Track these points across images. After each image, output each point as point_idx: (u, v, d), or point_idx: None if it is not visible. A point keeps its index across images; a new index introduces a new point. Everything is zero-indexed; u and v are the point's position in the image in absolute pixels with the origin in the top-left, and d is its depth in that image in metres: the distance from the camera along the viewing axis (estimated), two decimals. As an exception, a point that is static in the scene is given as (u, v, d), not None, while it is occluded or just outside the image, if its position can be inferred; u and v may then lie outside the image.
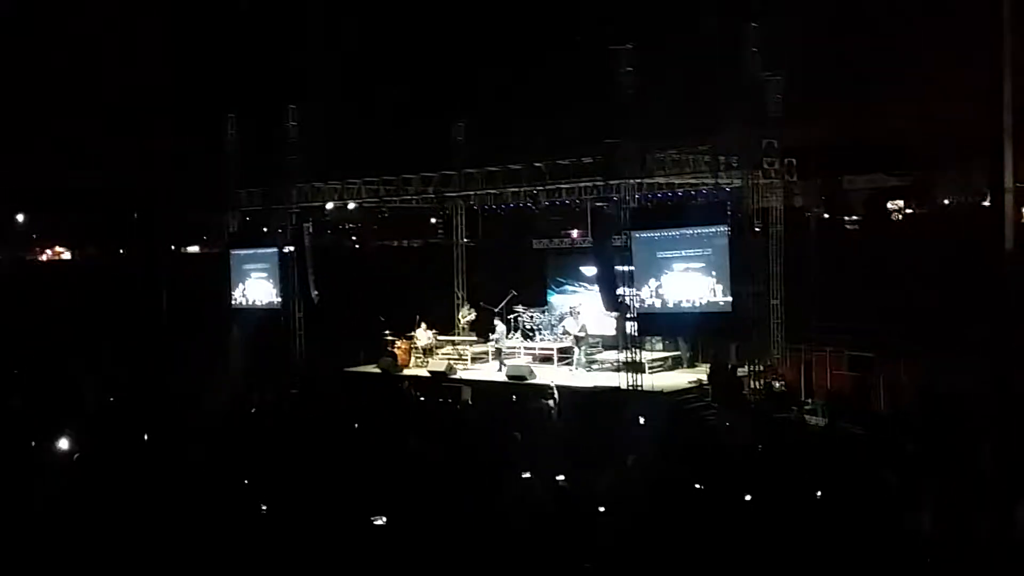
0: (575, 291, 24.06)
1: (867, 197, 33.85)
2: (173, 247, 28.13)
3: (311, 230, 24.35)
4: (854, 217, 34.41)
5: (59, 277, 32.96)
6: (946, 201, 35.37)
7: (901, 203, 34.56)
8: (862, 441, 15.82)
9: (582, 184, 20.82)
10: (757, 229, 19.69)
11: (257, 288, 25.02)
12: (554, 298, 24.70)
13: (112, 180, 28.72)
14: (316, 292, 23.82)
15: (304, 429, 17.67)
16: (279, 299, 24.45)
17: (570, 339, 22.05)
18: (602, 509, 11.97)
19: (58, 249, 37.88)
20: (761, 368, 19.19)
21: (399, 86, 28.60)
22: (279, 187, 24.19)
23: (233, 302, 25.35)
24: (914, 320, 20.94)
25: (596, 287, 21.00)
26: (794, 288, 20.62)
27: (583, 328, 21.74)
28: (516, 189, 22.02)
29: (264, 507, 12.45)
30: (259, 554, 11.01)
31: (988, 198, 28.88)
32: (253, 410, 18.41)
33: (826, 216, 30.80)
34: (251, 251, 25.28)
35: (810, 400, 19.29)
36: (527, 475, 12.73)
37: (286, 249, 24.33)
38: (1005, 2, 11.45)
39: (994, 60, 11.77)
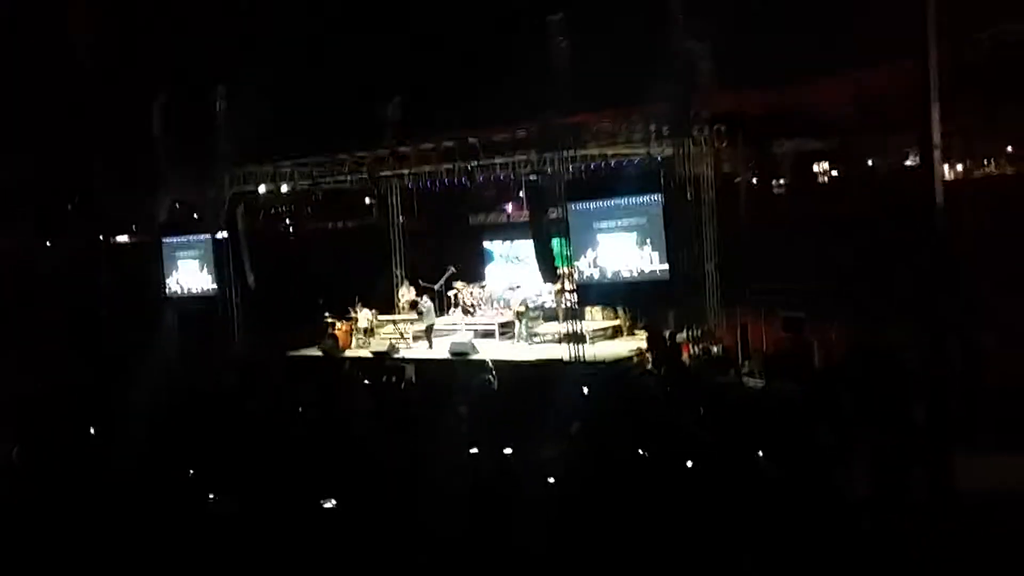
0: (508, 262, 24.20)
1: (794, 161, 34.42)
2: (102, 236, 27.46)
3: (244, 214, 24.07)
4: (782, 181, 35.02)
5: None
6: (870, 162, 36.19)
7: (827, 165, 35.24)
8: (798, 400, 16.26)
9: (516, 159, 20.85)
10: (689, 197, 20.00)
11: (191, 275, 24.68)
12: (490, 267, 24.78)
13: (37, 168, 28.01)
14: (252, 277, 23.58)
15: (248, 415, 17.59)
16: (214, 286, 24.15)
17: (511, 314, 22.20)
18: (550, 480, 12.16)
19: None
20: (698, 333, 19.54)
21: (328, 64, 28.25)
22: (210, 171, 23.83)
23: (167, 290, 24.96)
24: (844, 279, 21.48)
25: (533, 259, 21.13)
26: (727, 253, 20.98)
27: (523, 302, 21.89)
28: (450, 166, 21.99)
29: (212, 496, 12.42)
30: (209, 542, 10.99)
31: (911, 158, 29.65)
32: (193, 398, 18.23)
33: (755, 181, 31.23)
34: (183, 238, 24.89)
35: (747, 362, 19.70)
36: (474, 450, 12.85)
37: (219, 235, 24.01)
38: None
39: (920, 22, 12.08)
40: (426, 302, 22.78)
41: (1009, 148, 30.84)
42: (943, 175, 12.33)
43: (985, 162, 30.68)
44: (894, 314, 18.24)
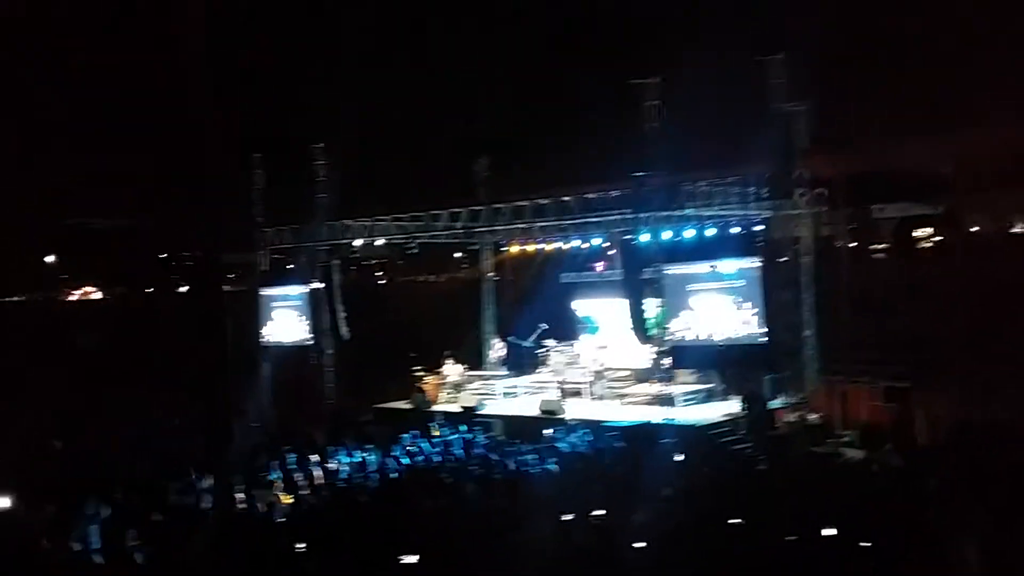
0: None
1: (896, 225, 33.57)
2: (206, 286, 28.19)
3: (340, 267, 24.49)
4: (882, 245, 34.16)
5: (92, 316, 33.21)
6: (974, 228, 35.07)
7: (930, 230, 34.27)
8: (901, 473, 15.65)
9: (610, 218, 20.79)
10: (787, 259, 19.65)
11: (287, 326, 25.12)
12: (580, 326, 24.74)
13: (141, 219, 29.05)
14: (346, 329, 23.89)
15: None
16: (310, 336, 24.53)
17: (590, 373, 22.10)
18: (641, 544, 11.87)
19: (87, 289, 38.18)
20: (796, 401, 19.03)
21: (427, 119, 28.75)
22: (309, 226, 24.36)
23: (264, 340, 25.43)
24: (949, 350, 20.73)
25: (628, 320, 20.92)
26: (826, 318, 20.47)
27: (601, 362, 21.87)
28: (544, 223, 22.04)
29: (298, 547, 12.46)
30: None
31: (1019, 224, 28.64)
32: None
33: (855, 245, 30.52)
34: (281, 289, 25.40)
35: (846, 432, 19.10)
36: (568, 517, 12.64)
37: (315, 286, 24.45)
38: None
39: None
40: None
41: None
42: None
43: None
44: (1002, 386, 17.52)
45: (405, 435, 19.24)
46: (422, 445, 18.75)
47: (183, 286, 33.74)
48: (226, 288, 28.87)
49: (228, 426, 16.17)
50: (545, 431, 19.40)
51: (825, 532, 11.68)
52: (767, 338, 17.84)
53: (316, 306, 24.40)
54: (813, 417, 19.08)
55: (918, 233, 33.95)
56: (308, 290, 24.55)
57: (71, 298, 37.59)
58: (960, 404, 18.01)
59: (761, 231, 19.00)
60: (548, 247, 24.29)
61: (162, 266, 33.24)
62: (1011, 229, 29.46)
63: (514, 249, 25.02)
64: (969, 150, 23.17)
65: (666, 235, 19.61)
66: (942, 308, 22.46)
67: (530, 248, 24.46)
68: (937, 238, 33.80)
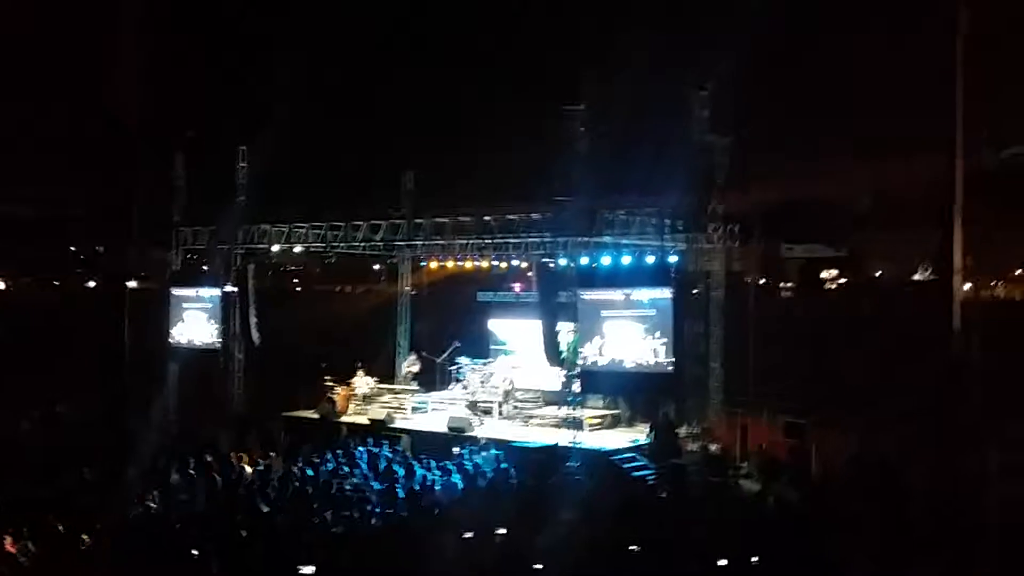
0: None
1: (802, 265, 34.67)
2: (112, 281, 27.57)
3: (255, 271, 24.18)
4: (789, 284, 35.22)
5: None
6: (877, 273, 36.40)
7: (835, 272, 35.47)
8: (795, 506, 16.12)
9: (530, 240, 21.01)
10: (699, 292, 20.09)
11: (197, 328, 24.66)
12: (493, 346, 24.88)
13: (54, 210, 28.30)
14: (257, 334, 23.57)
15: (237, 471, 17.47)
16: (219, 340, 24.12)
17: (499, 392, 22.28)
18: (539, 567, 12.02)
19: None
20: (698, 430, 19.43)
21: (350, 132, 28.71)
22: (226, 227, 24.01)
23: (172, 341, 24.91)
24: (846, 388, 21.45)
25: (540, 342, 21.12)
26: (732, 352, 20.99)
27: (510, 382, 21.99)
28: (464, 240, 22.15)
29: (195, 552, 12.28)
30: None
31: (920, 272, 29.85)
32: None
33: (762, 282, 31.39)
34: (192, 290, 24.93)
35: (744, 464, 19.57)
36: (469, 535, 12.71)
37: (227, 289, 24.08)
38: (958, 84, 11.96)
39: (949, 139, 12.24)
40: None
41: (1018, 271, 31.07)
42: (961, 295, 12.39)
43: (992, 283, 30.86)
44: (898, 425, 18.18)
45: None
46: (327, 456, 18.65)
47: (91, 280, 32.88)
48: (136, 286, 28.33)
49: (123, 423, 15.88)
50: (454, 448, 19.45)
51: (720, 562, 12.00)
52: (674, 367, 18.17)
53: (228, 310, 24.01)
54: (714, 447, 19.49)
55: (824, 274, 35.19)
56: (221, 293, 24.14)
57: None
58: (854, 440, 18.61)
59: (675, 263, 19.38)
60: (467, 265, 24.39)
61: (71, 259, 32.38)
62: (912, 276, 30.71)
63: (433, 265, 25.04)
64: (877, 187, 24.10)
65: (583, 260, 19.87)
66: (842, 347, 23.28)
67: (448, 265, 24.51)
68: (841, 280, 35.06)
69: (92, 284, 31.98)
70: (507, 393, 22.15)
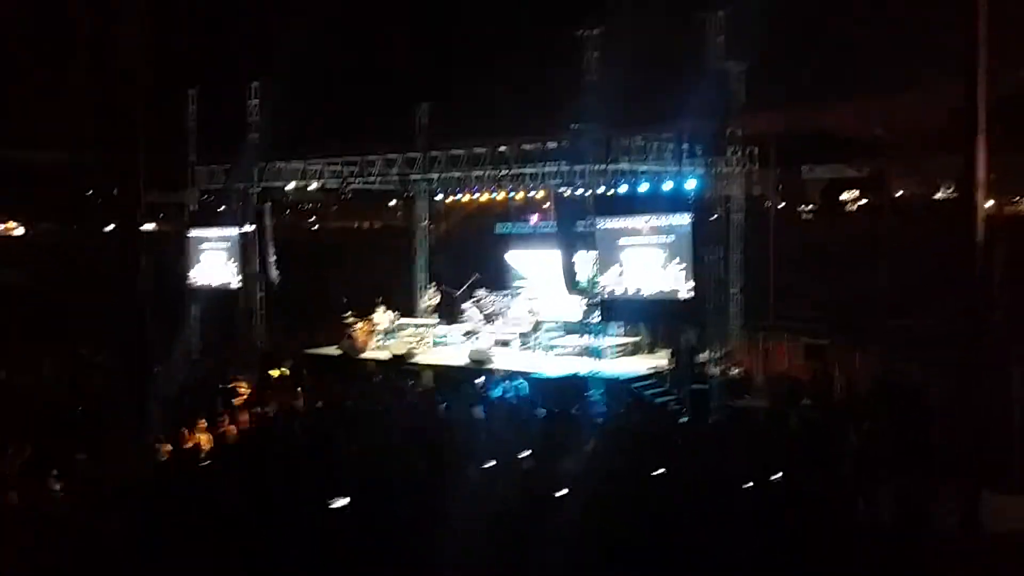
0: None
1: (823, 187, 34.25)
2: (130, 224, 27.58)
3: (271, 210, 24.17)
4: (810, 207, 34.84)
5: (14, 253, 32.34)
6: (899, 193, 35.91)
7: (856, 193, 35.01)
8: (818, 427, 16.15)
9: (546, 169, 20.82)
10: (718, 217, 19.91)
11: (216, 268, 24.75)
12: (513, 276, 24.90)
13: (69, 156, 28.24)
14: (276, 273, 23.65)
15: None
16: (239, 279, 24.20)
17: (528, 324, 22.27)
18: (562, 493, 12.11)
19: (10, 224, 37.14)
20: (719, 355, 19.42)
21: (363, 66, 28.35)
22: (241, 166, 23.93)
23: (191, 282, 25.03)
24: (868, 309, 21.34)
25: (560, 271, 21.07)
26: (753, 276, 20.89)
27: (535, 315, 22.04)
28: (480, 172, 21.99)
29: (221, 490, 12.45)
30: (214, 535, 11.01)
31: (942, 191, 29.43)
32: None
33: (783, 205, 31.08)
34: (210, 231, 24.96)
35: (766, 387, 19.59)
36: (492, 463, 12.82)
37: (245, 229, 24.09)
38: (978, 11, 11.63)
39: (968, 57, 11.93)
40: (472, 309, 22.97)
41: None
42: (984, 212, 12.20)
43: (1016, 198, 30.42)
44: (920, 348, 18.10)
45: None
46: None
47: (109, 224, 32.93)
48: (153, 228, 28.37)
49: (147, 366, 16.02)
50: (476, 380, 19.58)
51: (744, 485, 12.05)
52: (694, 293, 18.11)
53: (246, 249, 24.04)
54: (736, 372, 19.51)
55: (845, 196, 34.76)
56: (238, 232, 24.15)
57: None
58: (876, 361, 18.57)
59: (693, 188, 19.19)
60: (483, 197, 24.26)
61: (88, 203, 32.40)
62: (935, 195, 30.28)
63: (449, 198, 24.92)
64: (897, 115, 23.65)
65: (600, 188, 19.71)
66: (864, 269, 23.10)
67: (465, 198, 24.39)
68: (863, 201, 34.63)
69: (110, 228, 32.05)
70: (535, 326, 22.18)
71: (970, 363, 12.25)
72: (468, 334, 23.04)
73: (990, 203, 15.42)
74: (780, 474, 12.22)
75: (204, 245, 24.93)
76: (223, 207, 25.39)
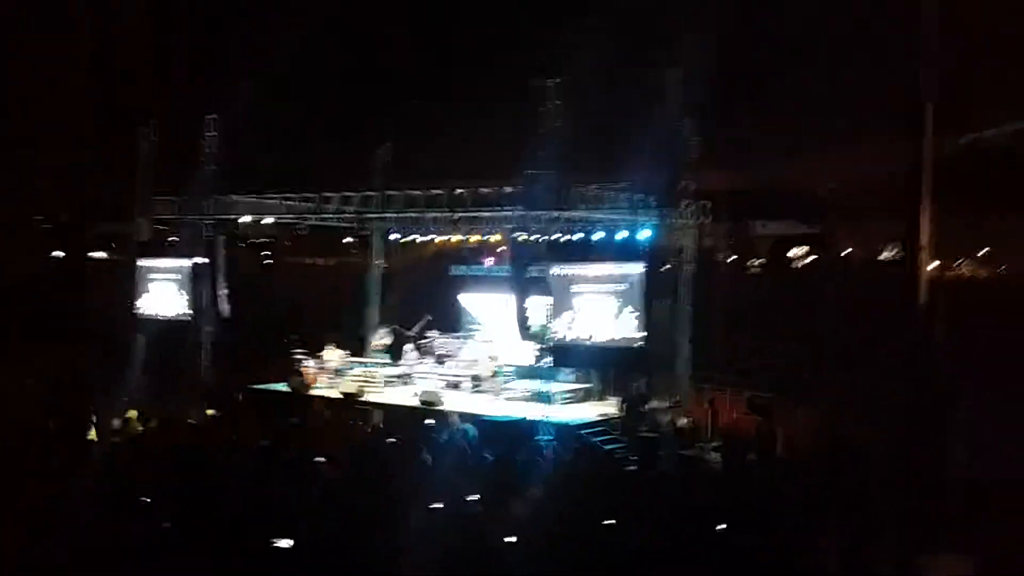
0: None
1: (772, 243, 34.91)
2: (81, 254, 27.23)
3: (224, 243, 24.00)
4: (759, 261, 35.47)
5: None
6: (845, 252, 36.71)
7: (805, 249, 35.73)
8: (761, 480, 16.32)
9: (502, 213, 21.00)
10: (670, 267, 20.21)
11: (165, 299, 24.44)
12: (465, 320, 24.93)
13: (22, 185, 27.85)
14: (227, 306, 23.43)
15: (211, 445, 17.40)
16: (188, 311, 23.92)
17: (484, 368, 22.26)
18: (511, 540, 12.08)
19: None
20: (668, 405, 19.59)
21: (323, 103, 28.44)
22: (194, 197, 23.77)
23: (139, 312, 24.67)
24: (813, 365, 21.70)
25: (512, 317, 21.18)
26: (702, 328, 21.16)
27: (492, 360, 22.06)
28: (436, 214, 22.11)
29: (167, 525, 12.23)
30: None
31: (887, 252, 30.16)
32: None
33: (733, 259, 31.63)
34: (161, 261, 24.69)
35: (713, 438, 19.78)
36: (438, 504, 12.75)
37: (197, 260, 23.87)
38: (928, 70, 12.09)
39: (916, 122, 12.38)
40: (412, 351, 22.93)
41: (979, 252, 31.45)
42: (927, 274, 12.60)
43: (956, 262, 31.26)
44: (858, 404, 18.43)
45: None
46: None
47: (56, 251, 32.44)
48: (102, 256, 28.01)
49: (87, 395, 15.75)
50: (426, 421, 19.49)
51: (689, 533, 12.12)
52: (645, 342, 18.30)
53: (197, 281, 23.81)
54: (683, 421, 19.68)
55: (793, 252, 35.45)
56: (190, 264, 23.93)
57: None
58: (819, 418, 18.86)
59: (646, 238, 19.48)
60: (439, 239, 24.34)
61: (36, 230, 31.89)
62: (880, 255, 31.03)
63: (404, 238, 24.98)
64: (846, 174, 24.31)
65: (555, 235, 19.93)
66: (809, 325, 23.53)
67: (420, 238, 24.47)
68: (811, 258, 35.34)
69: (59, 255, 31.62)
70: (494, 372, 22.17)
71: (911, 421, 12.55)
72: (402, 376, 22.94)
73: (933, 265, 15.89)
74: (725, 525, 12.31)
75: (153, 275, 24.64)
76: (175, 238, 25.16)
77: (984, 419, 16.06)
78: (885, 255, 30.47)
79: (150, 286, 24.69)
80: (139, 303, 24.67)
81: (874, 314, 20.85)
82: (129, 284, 24.71)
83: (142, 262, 24.83)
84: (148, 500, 13.31)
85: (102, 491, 13.54)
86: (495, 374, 21.93)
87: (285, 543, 11.27)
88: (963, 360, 16.39)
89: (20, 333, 22.26)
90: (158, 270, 24.58)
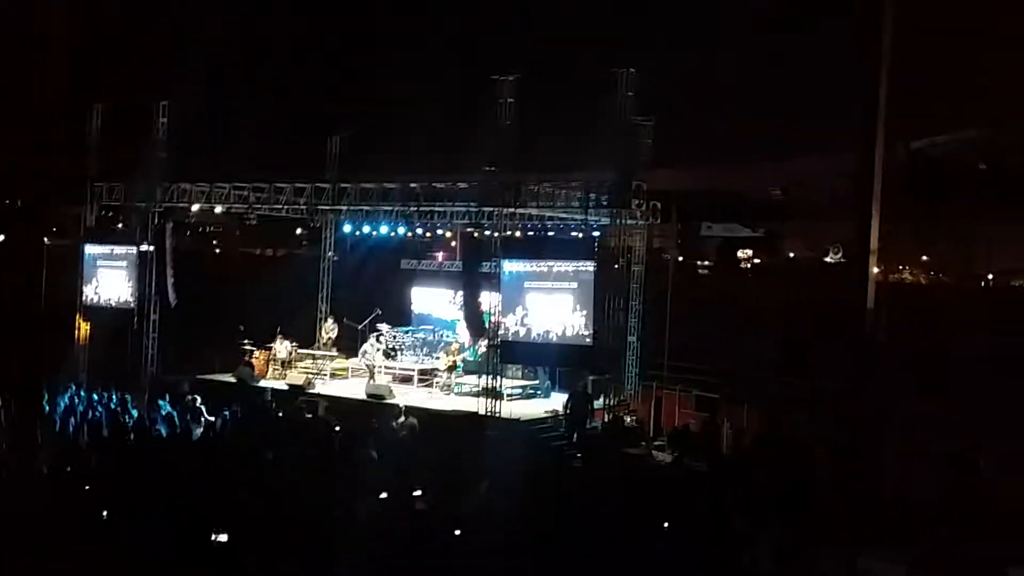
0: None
1: (720, 244, 35.46)
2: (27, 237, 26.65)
3: (173, 230, 23.69)
4: (706, 263, 35.99)
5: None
6: (791, 254, 37.40)
7: (751, 252, 36.35)
8: (705, 478, 16.57)
9: (455, 209, 21.03)
10: (619, 267, 20.42)
11: (112, 286, 24.09)
12: (416, 313, 24.92)
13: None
14: (174, 295, 23.15)
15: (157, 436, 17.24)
16: (134, 298, 23.60)
17: (439, 362, 22.23)
18: (458, 532, 12.16)
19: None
20: (614, 402, 19.79)
21: (280, 93, 28.22)
22: (143, 183, 23.45)
23: (84, 298, 24.29)
24: (758, 365, 22.07)
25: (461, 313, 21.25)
26: (650, 326, 21.41)
27: (452, 351, 22.16)
28: (389, 207, 22.08)
29: (105, 514, 12.14)
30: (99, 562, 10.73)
31: (831, 255, 30.78)
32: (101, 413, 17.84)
33: (681, 259, 32.03)
34: (108, 247, 24.32)
35: (658, 436, 20.01)
36: (384, 495, 12.81)
37: (144, 248, 23.55)
38: (881, 74, 12.30)
39: (865, 127, 12.59)
40: (372, 344, 22.82)
41: (924, 257, 32.22)
42: (875, 277, 12.88)
43: (900, 267, 31.99)
44: (805, 404, 18.79)
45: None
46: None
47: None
48: (48, 242, 27.42)
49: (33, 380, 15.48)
50: (372, 416, 19.47)
51: (632, 530, 12.29)
52: (593, 340, 18.46)
53: (145, 268, 23.49)
54: (630, 419, 19.89)
55: (740, 254, 36.03)
56: (137, 251, 23.60)
57: None
58: (762, 417, 19.18)
59: (597, 237, 19.65)
60: (390, 232, 24.30)
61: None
62: (824, 258, 31.65)
63: (356, 231, 24.88)
64: (793, 179, 24.75)
65: (507, 231, 20.00)
66: (754, 325, 23.92)
67: (372, 231, 24.39)
68: (757, 260, 35.93)
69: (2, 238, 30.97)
70: (440, 366, 22.13)
71: (853, 423, 12.82)
72: (351, 369, 22.88)
73: (877, 269, 16.23)
74: (666, 524, 12.51)
75: (101, 262, 24.28)
76: (122, 224, 24.80)
77: (922, 423, 16.50)
78: (829, 258, 31.10)
79: (97, 272, 24.31)
80: (86, 290, 24.28)
81: (819, 316, 21.26)
82: (73, 270, 24.26)
83: (88, 248, 24.43)
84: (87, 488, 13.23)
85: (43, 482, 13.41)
86: (444, 369, 21.93)
87: (222, 537, 11.25)
88: (904, 363, 16.78)
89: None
90: (105, 256, 24.21)
